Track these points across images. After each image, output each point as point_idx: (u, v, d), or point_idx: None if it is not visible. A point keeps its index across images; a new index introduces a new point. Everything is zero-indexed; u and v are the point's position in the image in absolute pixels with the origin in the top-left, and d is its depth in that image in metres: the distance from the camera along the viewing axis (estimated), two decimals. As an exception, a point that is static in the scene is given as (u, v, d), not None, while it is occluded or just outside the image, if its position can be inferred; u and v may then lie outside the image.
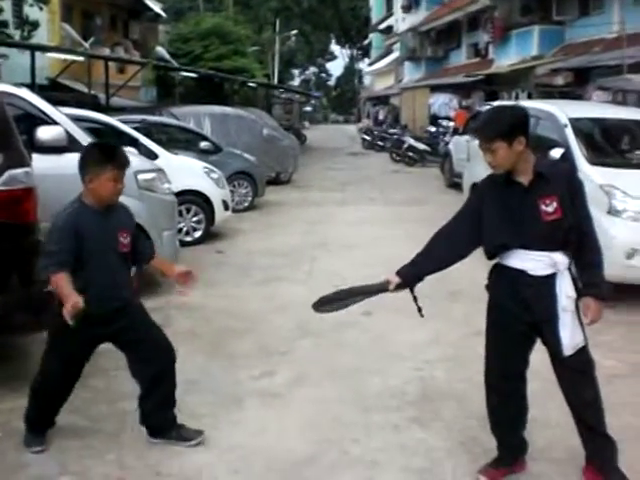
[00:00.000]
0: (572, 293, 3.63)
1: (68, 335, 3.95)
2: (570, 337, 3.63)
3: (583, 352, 3.71)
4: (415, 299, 4.02)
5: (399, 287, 3.93)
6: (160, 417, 4.33)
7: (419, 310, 4.06)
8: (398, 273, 3.94)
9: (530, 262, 3.66)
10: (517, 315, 3.75)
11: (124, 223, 4.22)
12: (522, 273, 3.69)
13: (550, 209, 3.59)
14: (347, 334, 6.55)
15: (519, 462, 4.01)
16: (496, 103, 14.40)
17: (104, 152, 4.08)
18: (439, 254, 3.95)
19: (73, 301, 3.72)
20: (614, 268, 6.14)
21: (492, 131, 3.60)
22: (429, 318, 6.85)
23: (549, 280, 3.64)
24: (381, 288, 3.98)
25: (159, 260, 4.49)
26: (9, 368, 5.45)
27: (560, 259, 3.63)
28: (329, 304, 4.06)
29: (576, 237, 3.64)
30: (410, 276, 3.94)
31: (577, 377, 3.77)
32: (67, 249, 3.91)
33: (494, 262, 3.89)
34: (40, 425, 4.35)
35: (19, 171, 4.88)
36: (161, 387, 4.28)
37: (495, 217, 3.71)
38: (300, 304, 7.48)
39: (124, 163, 4.11)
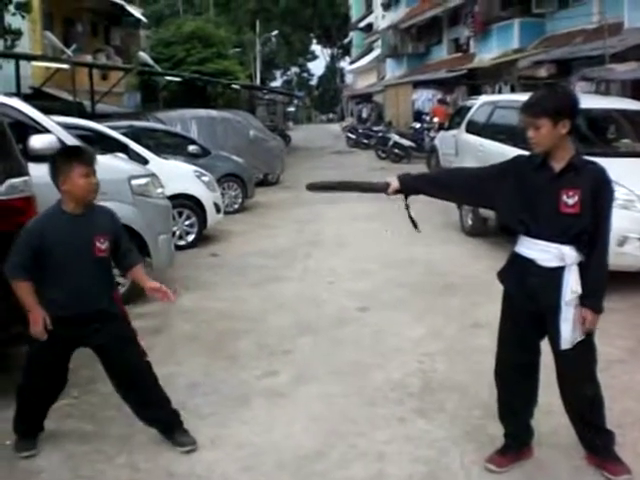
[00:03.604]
0: (578, 288, 3.64)
1: (41, 342, 4.12)
2: (571, 332, 3.66)
3: (585, 347, 3.74)
4: (408, 208, 4.17)
5: (396, 192, 4.06)
6: (152, 417, 4.41)
7: (413, 222, 4.23)
8: (400, 179, 4.04)
9: (539, 252, 3.71)
10: (524, 304, 3.82)
11: (103, 227, 4.21)
12: (531, 262, 3.75)
13: (570, 202, 3.60)
14: (346, 330, 6.61)
15: (526, 449, 4.07)
16: (482, 97, 14.53)
17: (68, 152, 4.23)
18: (446, 184, 4.13)
19: (38, 316, 4.05)
20: (607, 256, 6.20)
21: (540, 107, 3.62)
22: (425, 312, 7.02)
23: (556, 272, 3.67)
24: (379, 188, 4.11)
25: (136, 271, 4.40)
26: (11, 377, 5.47)
27: (569, 253, 3.64)
28: (321, 188, 4.31)
29: (589, 239, 3.65)
30: (410, 186, 4.06)
31: (576, 371, 3.83)
32: (30, 255, 4.03)
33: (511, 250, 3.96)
34: (29, 431, 4.41)
35: (19, 180, 4.91)
36: (132, 394, 4.37)
37: (519, 195, 3.75)
38: (297, 302, 7.58)
39: (90, 158, 4.16)
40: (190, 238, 10.97)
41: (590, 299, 3.67)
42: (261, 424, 4.68)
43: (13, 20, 19.26)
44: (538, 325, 3.84)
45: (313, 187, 4.31)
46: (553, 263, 3.68)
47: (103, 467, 4.17)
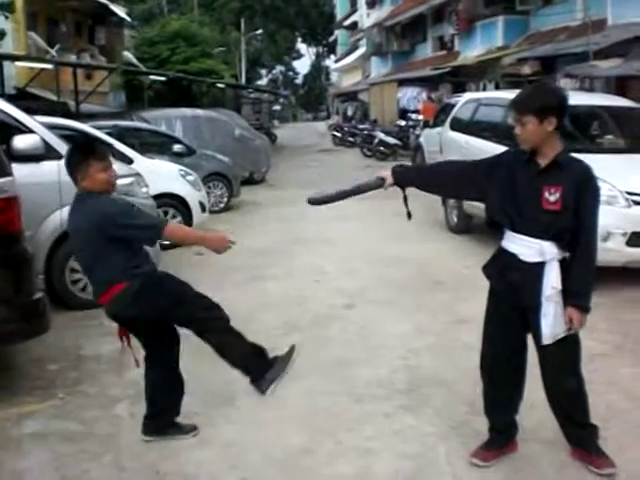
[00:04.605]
0: (557, 284, 3.65)
1: None
2: (551, 327, 3.68)
3: (568, 342, 3.75)
4: (405, 199, 4.16)
5: (391, 185, 4.07)
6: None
7: (408, 213, 4.21)
8: (393, 171, 4.04)
9: (522, 247, 3.74)
10: (507, 298, 3.84)
11: None
12: (514, 257, 3.78)
13: (552, 198, 3.62)
14: (332, 328, 6.63)
15: (510, 443, 4.10)
16: (466, 94, 14.57)
17: (82, 149, 4.19)
18: (438, 176, 4.14)
19: (222, 237, 4.50)
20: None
21: (526, 104, 3.66)
22: (412, 309, 7.03)
23: (537, 268, 3.69)
24: (375, 186, 4.11)
25: None
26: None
27: (549, 249, 3.66)
28: (323, 202, 4.27)
29: (572, 237, 3.65)
30: (403, 179, 4.05)
31: (560, 366, 3.85)
32: None
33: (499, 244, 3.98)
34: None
35: (2, 180, 4.89)
36: None
37: (506, 189, 3.76)
38: (283, 301, 7.57)
39: (105, 152, 4.23)
40: (175, 237, 10.89)
41: (576, 298, 3.67)
42: (248, 422, 4.68)
43: (-3, 22, 19.20)
44: (523, 319, 3.86)
45: (315, 202, 4.30)
46: (534, 258, 3.70)
47: (89, 467, 4.16)
